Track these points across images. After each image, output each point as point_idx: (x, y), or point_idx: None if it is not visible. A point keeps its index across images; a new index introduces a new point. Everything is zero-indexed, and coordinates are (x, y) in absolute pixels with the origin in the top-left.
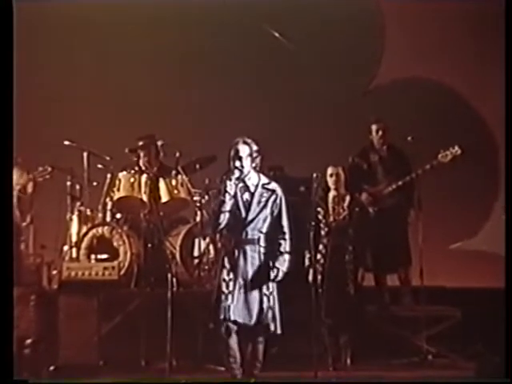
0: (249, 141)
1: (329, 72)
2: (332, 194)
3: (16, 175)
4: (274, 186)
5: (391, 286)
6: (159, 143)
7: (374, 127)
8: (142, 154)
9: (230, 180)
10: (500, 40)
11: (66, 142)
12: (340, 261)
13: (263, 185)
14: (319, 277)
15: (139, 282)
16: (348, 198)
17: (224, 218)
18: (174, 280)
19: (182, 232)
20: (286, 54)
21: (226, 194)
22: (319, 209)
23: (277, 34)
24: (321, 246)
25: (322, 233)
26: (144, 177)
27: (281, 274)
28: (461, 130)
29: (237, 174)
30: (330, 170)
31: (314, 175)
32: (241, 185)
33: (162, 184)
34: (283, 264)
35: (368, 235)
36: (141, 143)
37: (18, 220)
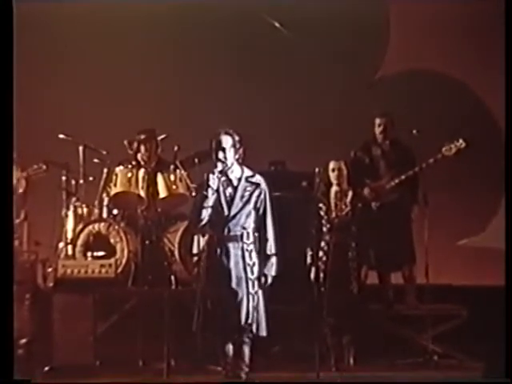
0: (231, 131)
1: (332, 65)
2: (334, 189)
3: None
4: (258, 179)
5: (396, 284)
6: (159, 138)
7: (377, 121)
8: (142, 149)
9: (213, 174)
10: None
11: (61, 136)
12: (343, 258)
13: (247, 178)
14: (321, 275)
15: (137, 280)
16: (350, 194)
17: (206, 214)
18: (173, 278)
19: (181, 229)
20: (288, 45)
21: (209, 189)
22: (321, 205)
23: (277, 24)
24: (323, 243)
25: (324, 229)
26: (141, 172)
27: (270, 280)
28: (467, 123)
29: (220, 166)
30: (331, 165)
31: (316, 170)
32: (223, 179)
33: (160, 179)
34: (271, 269)
35: (371, 232)
36: (142, 137)
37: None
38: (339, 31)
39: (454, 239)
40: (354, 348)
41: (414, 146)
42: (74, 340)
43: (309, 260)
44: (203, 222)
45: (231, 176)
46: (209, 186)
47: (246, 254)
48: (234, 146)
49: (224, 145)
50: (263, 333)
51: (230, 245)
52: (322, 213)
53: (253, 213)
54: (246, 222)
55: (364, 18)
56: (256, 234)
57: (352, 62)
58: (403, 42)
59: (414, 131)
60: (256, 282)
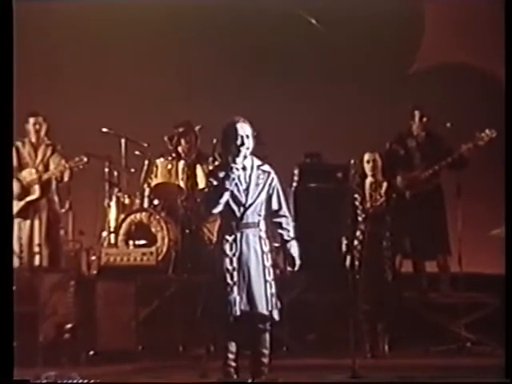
0: (247, 121)
1: (366, 57)
2: (369, 180)
3: (55, 162)
4: (267, 167)
5: (429, 273)
6: (197, 128)
7: (415, 113)
8: (183, 142)
9: (238, 157)
10: None
11: (104, 129)
12: (377, 247)
13: (258, 166)
14: (356, 263)
15: (177, 268)
16: (385, 185)
17: (223, 198)
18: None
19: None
20: (324, 39)
21: (234, 170)
22: (356, 195)
23: (313, 21)
24: (358, 233)
25: (360, 219)
26: (181, 163)
27: (298, 262)
28: (499, 115)
29: (243, 151)
30: (366, 157)
31: (352, 161)
32: (240, 165)
33: (199, 170)
34: (296, 251)
35: (406, 221)
36: (181, 129)
37: (57, 206)
38: (375, 26)
39: (487, 228)
40: (388, 335)
41: (448, 139)
42: (116, 325)
43: (344, 248)
44: (220, 206)
45: (245, 163)
46: (233, 168)
47: (263, 242)
48: (252, 134)
49: (247, 132)
50: (276, 317)
51: (249, 232)
52: (356, 203)
53: (266, 200)
54: (262, 209)
55: (399, 14)
56: (269, 221)
57: (387, 56)
58: (437, 37)
59: (448, 124)
60: (271, 270)
